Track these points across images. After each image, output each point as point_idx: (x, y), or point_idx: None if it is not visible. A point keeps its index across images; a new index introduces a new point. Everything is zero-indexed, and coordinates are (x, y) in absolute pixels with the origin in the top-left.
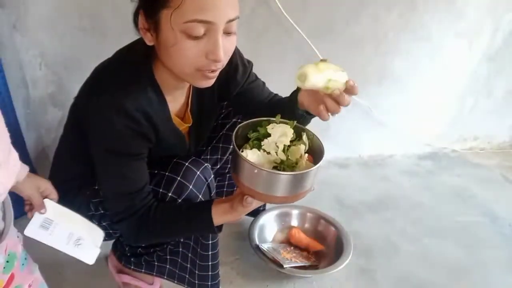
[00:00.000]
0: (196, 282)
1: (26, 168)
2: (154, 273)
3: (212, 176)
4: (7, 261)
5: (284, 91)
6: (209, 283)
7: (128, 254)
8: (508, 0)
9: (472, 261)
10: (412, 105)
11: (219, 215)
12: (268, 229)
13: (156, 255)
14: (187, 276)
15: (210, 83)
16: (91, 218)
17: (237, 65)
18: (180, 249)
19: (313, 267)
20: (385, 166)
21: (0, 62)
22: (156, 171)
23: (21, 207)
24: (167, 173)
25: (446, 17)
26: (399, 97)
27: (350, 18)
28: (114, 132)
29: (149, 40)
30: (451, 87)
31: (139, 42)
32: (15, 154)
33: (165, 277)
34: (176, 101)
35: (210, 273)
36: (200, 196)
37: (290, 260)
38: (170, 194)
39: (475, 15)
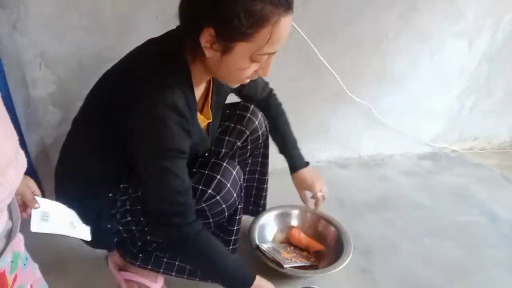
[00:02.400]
0: None
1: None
2: (162, 270)
3: (243, 177)
4: (12, 261)
5: (284, 91)
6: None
7: (135, 251)
8: (508, 0)
9: (472, 261)
10: (412, 105)
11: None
12: (268, 229)
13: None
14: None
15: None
16: (114, 215)
17: None
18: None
19: (313, 267)
20: (385, 166)
21: (0, 62)
22: (194, 170)
23: None
24: (206, 171)
25: (446, 17)
26: (399, 97)
27: (350, 18)
28: (167, 130)
29: (208, 54)
30: (451, 87)
31: (171, 34)
32: (22, 153)
33: (173, 273)
34: (198, 97)
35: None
36: (235, 195)
37: (290, 260)
38: (209, 191)
39: (475, 15)
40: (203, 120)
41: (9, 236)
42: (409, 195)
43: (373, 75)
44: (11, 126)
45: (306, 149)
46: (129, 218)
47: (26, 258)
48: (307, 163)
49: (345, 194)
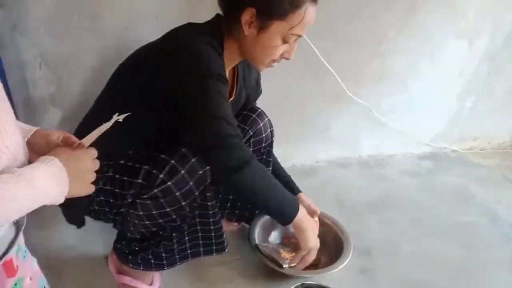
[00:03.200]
0: (201, 249)
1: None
2: (153, 269)
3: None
4: None
5: (284, 91)
6: (214, 246)
7: (127, 251)
8: (508, 0)
9: (472, 261)
10: (412, 105)
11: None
12: (268, 229)
13: (152, 252)
14: (188, 251)
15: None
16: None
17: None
18: (175, 241)
19: (313, 267)
20: (385, 166)
21: (0, 62)
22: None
23: None
24: (162, 155)
25: (446, 17)
26: (399, 97)
27: (350, 18)
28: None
29: (247, 32)
30: (451, 87)
31: (210, 22)
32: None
33: (166, 268)
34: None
35: (213, 234)
36: (191, 183)
37: (290, 260)
38: (161, 176)
39: (475, 15)
40: None
41: (17, 226)
42: (409, 195)
43: (373, 75)
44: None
45: (306, 149)
46: (101, 198)
47: (25, 251)
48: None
49: (345, 194)
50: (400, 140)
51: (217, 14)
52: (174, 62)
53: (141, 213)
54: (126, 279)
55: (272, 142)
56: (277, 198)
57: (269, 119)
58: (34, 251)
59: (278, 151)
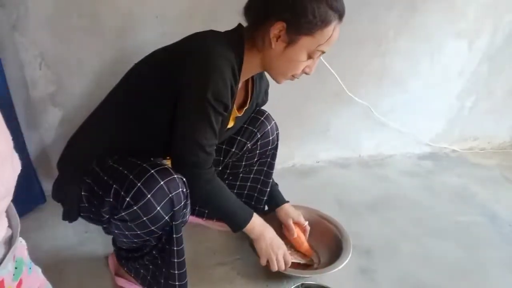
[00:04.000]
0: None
1: None
2: (139, 281)
3: (181, 190)
4: (16, 268)
5: (284, 91)
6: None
7: (123, 255)
8: (508, 0)
9: (472, 261)
10: (412, 105)
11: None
12: None
13: (138, 263)
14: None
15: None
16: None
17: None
18: (151, 258)
19: (312, 267)
20: (385, 166)
21: (0, 62)
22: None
23: (23, 205)
24: (131, 176)
25: (446, 17)
26: (399, 97)
27: (350, 18)
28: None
29: (274, 45)
30: (451, 87)
31: (232, 32)
32: (16, 156)
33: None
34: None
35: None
36: (158, 208)
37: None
38: (127, 199)
39: (475, 15)
40: (234, 111)
41: (9, 244)
42: (409, 195)
43: (373, 75)
44: (3, 124)
45: (306, 149)
46: (85, 204)
47: (30, 263)
48: (287, 201)
49: (345, 194)
50: (400, 140)
51: (240, 24)
52: (189, 72)
53: (116, 231)
54: (121, 281)
55: (277, 145)
56: (229, 210)
57: (275, 122)
58: (34, 251)
59: (278, 151)
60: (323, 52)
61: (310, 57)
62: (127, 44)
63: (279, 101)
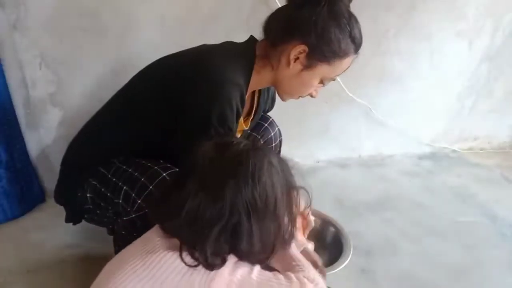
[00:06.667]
0: None
1: None
2: None
3: None
4: None
5: None
6: None
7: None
8: (508, 0)
9: (472, 261)
10: (412, 105)
11: None
12: None
13: None
14: None
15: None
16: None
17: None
18: None
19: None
20: (385, 166)
21: (0, 62)
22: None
23: (23, 205)
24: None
25: (446, 17)
26: (399, 97)
27: None
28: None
29: (291, 66)
30: (451, 87)
31: (245, 45)
32: None
33: None
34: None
35: None
36: None
37: None
38: (133, 195)
39: (475, 15)
40: (241, 125)
41: None
42: (409, 195)
43: (373, 75)
44: None
45: (306, 149)
46: (90, 206)
47: None
48: None
49: (345, 194)
50: (400, 140)
51: (252, 37)
52: (195, 94)
53: (123, 232)
54: None
55: (280, 151)
56: None
57: (279, 129)
58: (35, 251)
59: None
60: (333, 80)
61: (321, 82)
62: (127, 44)
63: (279, 101)
